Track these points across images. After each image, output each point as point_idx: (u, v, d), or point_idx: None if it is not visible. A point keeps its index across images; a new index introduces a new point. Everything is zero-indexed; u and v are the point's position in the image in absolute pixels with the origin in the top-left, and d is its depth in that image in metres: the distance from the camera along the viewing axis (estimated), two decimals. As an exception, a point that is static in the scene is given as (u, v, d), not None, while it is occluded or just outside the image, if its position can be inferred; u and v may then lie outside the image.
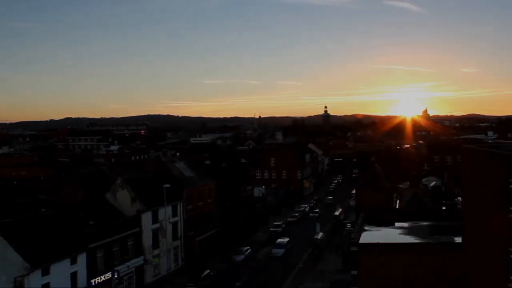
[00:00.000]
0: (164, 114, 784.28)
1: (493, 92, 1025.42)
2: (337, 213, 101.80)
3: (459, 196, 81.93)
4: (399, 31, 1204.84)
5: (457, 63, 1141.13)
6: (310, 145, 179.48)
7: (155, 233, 68.68)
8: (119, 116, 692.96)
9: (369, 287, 41.33)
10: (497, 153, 30.95)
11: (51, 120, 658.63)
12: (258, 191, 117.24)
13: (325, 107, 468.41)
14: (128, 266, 62.19)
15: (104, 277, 57.31)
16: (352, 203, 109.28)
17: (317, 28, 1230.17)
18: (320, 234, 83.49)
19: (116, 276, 58.20)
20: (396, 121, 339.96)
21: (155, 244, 68.60)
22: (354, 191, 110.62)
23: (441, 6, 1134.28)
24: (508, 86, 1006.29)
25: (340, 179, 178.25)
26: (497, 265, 29.42)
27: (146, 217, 66.98)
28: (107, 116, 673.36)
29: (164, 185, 67.90)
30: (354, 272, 52.76)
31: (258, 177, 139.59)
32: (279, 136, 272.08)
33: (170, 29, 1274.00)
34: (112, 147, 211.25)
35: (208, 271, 67.56)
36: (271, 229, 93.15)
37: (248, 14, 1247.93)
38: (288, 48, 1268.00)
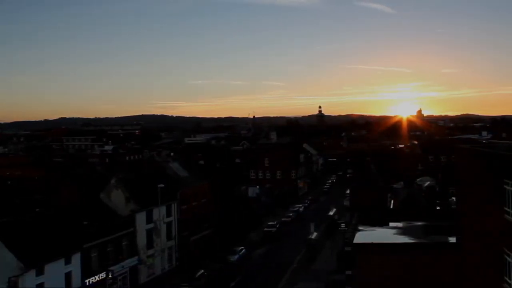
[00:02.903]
0: (158, 114, 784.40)
1: (482, 92, 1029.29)
2: (331, 213, 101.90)
3: (453, 196, 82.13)
4: (374, 32, 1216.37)
5: (435, 63, 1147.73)
6: (305, 145, 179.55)
7: (149, 233, 68.67)
8: (114, 116, 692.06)
9: (363, 287, 41.39)
10: (491, 153, 31.09)
11: (46, 120, 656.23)
12: (253, 191, 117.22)
13: (320, 107, 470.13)
14: (123, 266, 62.18)
15: (99, 277, 57.29)
16: (346, 203, 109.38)
17: (299, 29, 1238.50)
18: (315, 234, 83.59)
19: (110, 276, 58.18)
20: (391, 121, 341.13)
21: (150, 244, 68.61)
22: (348, 191, 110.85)
23: (411, 7, 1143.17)
24: (498, 86, 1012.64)
25: (334, 179, 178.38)
26: (492, 265, 29.55)
27: (141, 217, 66.97)
28: (101, 116, 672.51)
29: (159, 185, 67.92)
30: (349, 272, 52.89)
31: (253, 177, 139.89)
32: (274, 136, 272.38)
33: (165, 30, 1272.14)
34: (106, 147, 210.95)
35: (202, 271, 67.57)
36: (266, 229, 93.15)
37: (238, 16, 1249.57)
38: (281, 49, 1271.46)
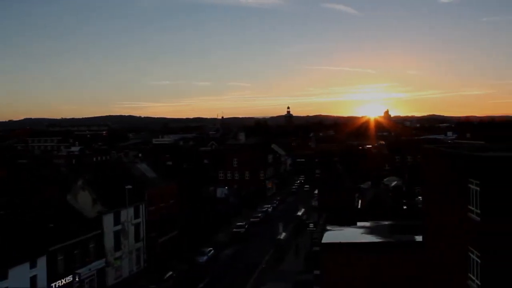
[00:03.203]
0: (126, 114, 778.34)
1: (446, 93, 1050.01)
2: (299, 213, 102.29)
3: (419, 196, 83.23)
4: (340, 33, 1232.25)
5: (401, 65, 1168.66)
6: (273, 146, 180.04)
7: (117, 235, 67.99)
8: (80, 117, 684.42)
9: (331, 287, 41.66)
10: (456, 153, 31.56)
11: (10, 121, 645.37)
12: (221, 191, 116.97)
13: (288, 107, 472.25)
14: (90, 269, 61.40)
15: (65, 281, 56.44)
16: (314, 203, 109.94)
17: (264, 30, 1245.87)
18: (283, 234, 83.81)
19: (77, 279, 57.44)
20: (359, 121, 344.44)
21: (117, 246, 67.93)
22: (316, 191, 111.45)
23: (376, 9, 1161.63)
24: (462, 87, 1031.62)
25: (302, 179, 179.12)
26: (457, 263, 30.01)
27: (108, 219, 66.24)
28: (68, 117, 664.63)
29: (126, 187, 67.33)
30: (317, 272, 53.14)
31: (221, 178, 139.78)
32: (242, 137, 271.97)
33: (131, 30, 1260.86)
34: (73, 148, 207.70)
35: (170, 272, 67.21)
36: (234, 229, 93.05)
37: (203, 16, 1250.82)
38: (247, 50, 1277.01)
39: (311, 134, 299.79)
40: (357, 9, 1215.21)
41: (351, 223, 52.61)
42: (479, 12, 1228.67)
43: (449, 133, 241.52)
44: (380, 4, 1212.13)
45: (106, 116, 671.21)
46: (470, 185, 27.42)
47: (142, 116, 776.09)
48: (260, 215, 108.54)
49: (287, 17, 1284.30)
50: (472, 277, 27.67)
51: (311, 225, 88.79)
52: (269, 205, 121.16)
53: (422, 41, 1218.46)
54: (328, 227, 50.08)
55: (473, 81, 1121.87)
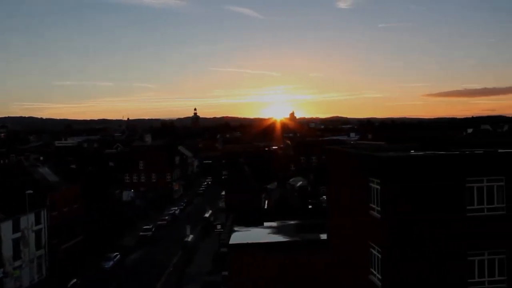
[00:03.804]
0: (26, 116, 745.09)
1: (347, 96, 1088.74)
2: (207, 215, 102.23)
3: (324, 195, 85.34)
4: (242, 36, 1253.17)
5: (303, 68, 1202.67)
6: (180, 147, 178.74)
7: (16, 243, 64.97)
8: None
9: (239, 287, 41.91)
10: (358, 153, 32.66)
11: None
12: (127, 194, 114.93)
13: (195, 109, 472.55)
14: (-13, 280, 58.45)
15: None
16: (221, 204, 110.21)
17: (166, 31, 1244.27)
18: (191, 236, 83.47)
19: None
20: (265, 123, 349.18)
21: (17, 254, 64.92)
22: (223, 193, 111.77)
23: (277, 13, 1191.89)
24: (362, 90, 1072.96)
25: (209, 181, 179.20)
26: (360, 259, 31.07)
27: (6, 226, 63.20)
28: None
29: (26, 192, 64.65)
30: (225, 273, 53.27)
31: (127, 181, 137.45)
32: (148, 139, 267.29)
33: (28, 28, 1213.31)
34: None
35: (75, 280, 65.25)
36: (141, 233, 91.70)
37: (105, 16, 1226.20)
38: (150, 51, 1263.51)
39: (218, 136, 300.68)
40: (259, 13, 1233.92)
41: (258, 223, 53.19)
42: (375, 19, 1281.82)
43: (352, 134, 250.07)
44: (282, 9, 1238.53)
45: (4, 118, 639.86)
46: (371, 184, 28.49)
47: (44, 117, 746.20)
48: (167, 217, 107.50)
49: (190, 19, 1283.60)
50: (374, 272, 28.78)
51: (219, 226, 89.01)
52: (176, 207, 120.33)
53: (322, 45, 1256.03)
54: (236, 228, 50.39)
55: (373, 84, 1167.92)
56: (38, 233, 70.06)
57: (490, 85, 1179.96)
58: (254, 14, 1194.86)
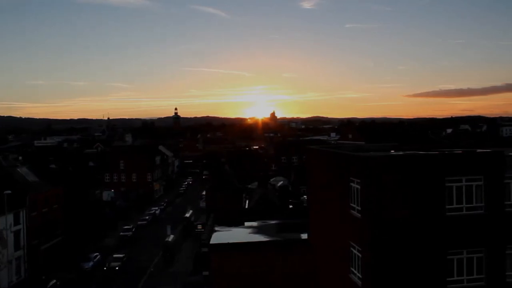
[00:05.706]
0: (5, 115, 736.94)
1: (325, 96, 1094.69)
2: (187, 214, 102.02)
3: (305, 195, 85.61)
4: (212, 36, 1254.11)
5: (276, 68, 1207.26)
6: (160, 147, 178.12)
7: (-6, 243, 64.35)
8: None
9: (220, 287, 41.92)
10: (338, 153, 32.88)
11: None
12: (107, 195, 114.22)
13: (175, 109, 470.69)
14: (-36, 281, 57.78)
15: None
16: (202, 204, 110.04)
17: (134, 31, 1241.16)
18: (171, 236, 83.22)
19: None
20: (246, 123, 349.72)
21: (-5, 255, 64.29)
22: (204, 193, 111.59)
23: (245, 13, 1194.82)
24: (340, 91, 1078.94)
25: (190, 180, 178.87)
26: (340, 258, 31.30)
27: (-15, 227, 62.59)
28: None
29: (5, 192, 63.99)
30: (206, 273, 53.27)
31: (108, 181, 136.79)
32: (129, 138, 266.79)
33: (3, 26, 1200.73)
34: None
35: (54, 281, 64.69)
36: (121, 233, 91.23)
37: (80, 15, 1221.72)
38: (126, 51, 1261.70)
39: (199, 136, 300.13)
40: (226, 12, 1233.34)
41: (239, 223, 53.20)
42: (341, 19, 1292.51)
43: (333, 134, 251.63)
44: (248, 9, 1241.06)
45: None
46: (351, 184, 28.73)
47: (23, 117, 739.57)
48: (148, 217, 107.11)
49: (159, 19, 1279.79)
50: (354, 270, 29.02)
51: (199, 226, 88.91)
52: (157, 207, 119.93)
53: (292, 46, 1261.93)
54: (216, 228, 50.37)
55: (350, 84, 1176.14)
56: (17, 234, 69.31)
57: (465, 86, 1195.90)
58: (220, 14, 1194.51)
